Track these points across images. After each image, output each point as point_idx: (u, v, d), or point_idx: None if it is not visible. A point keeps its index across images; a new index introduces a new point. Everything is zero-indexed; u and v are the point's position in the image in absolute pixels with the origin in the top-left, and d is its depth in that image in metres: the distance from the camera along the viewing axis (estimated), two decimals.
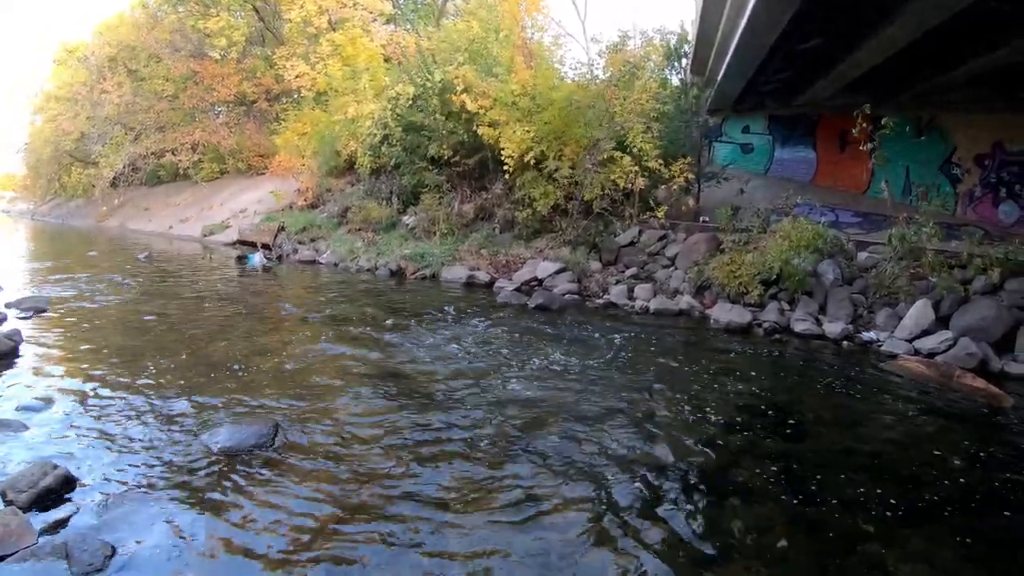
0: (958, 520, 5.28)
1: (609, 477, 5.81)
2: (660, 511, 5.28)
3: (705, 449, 6.56)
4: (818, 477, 5.94)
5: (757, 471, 6.02)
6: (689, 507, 5.39)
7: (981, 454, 6.76)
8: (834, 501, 5.48)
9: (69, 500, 5.19)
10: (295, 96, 32.06)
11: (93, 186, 43.90)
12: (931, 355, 10.27)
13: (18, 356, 9.14)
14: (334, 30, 28.45)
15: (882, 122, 12.87)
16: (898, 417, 7.87)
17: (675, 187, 17.40)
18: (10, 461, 5.76)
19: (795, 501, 5.47)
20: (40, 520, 4.85)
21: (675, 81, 22.89)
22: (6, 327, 10.55)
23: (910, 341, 10.83)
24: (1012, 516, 5.39)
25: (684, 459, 6.29)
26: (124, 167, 42.22)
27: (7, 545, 4.43)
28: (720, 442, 6.76)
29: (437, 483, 5.65)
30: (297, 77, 29.06)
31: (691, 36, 19.27)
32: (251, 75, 38.60)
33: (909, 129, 17.76)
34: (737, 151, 21.70)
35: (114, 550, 4.51)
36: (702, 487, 5.75)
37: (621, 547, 4.77)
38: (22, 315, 11.88)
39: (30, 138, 58.35)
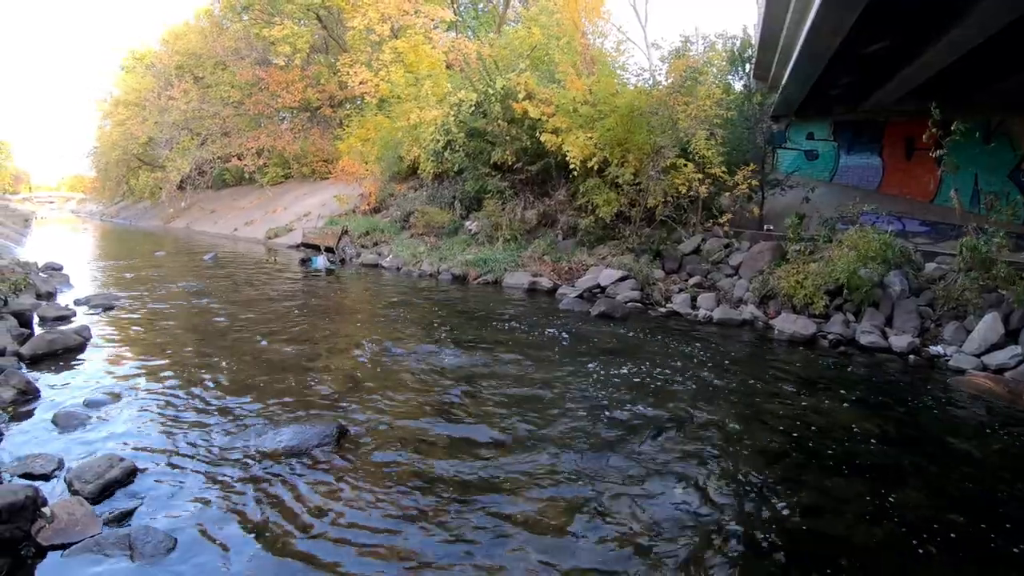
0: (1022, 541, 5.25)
1: (671, 487, 5.86)
2: (714, 525, 5.31)
3: (762, 462, 6.58)
4: (879, 494, 5.90)
5: (817, 487, 6.03)
6: (744, 522, 5.39)
7: None
8: (896, 520, 5.45)
9: (134, 492, 5.38)
10: (358, 102, 32.59)
11: (160, 189, 45.07)
12: (1000, 371, 10.07)
13: (87, 351, 9.53)
14: (396, 37, 28.80)
15: (952, 127, 12.64)
16: (962, 436, 7.74)
17: (739, 194, 17.32)
18: (77, 452, 6.02)
19: (855, 519, 5.45)
20: (105, 510, 5.03)
21: (738, 87, 22.74)
22: (76, 323, 11.06)
23: (978, 356, 10.61)
24: None
25: (740, 472, 6.30)
26: (190, 171, 43.34)
27: (72, 534, 4.61)
28: (778, 456, 6.77)
29: (501, 489, 5.72)
30: (360, 84, 29.60)
31: (754, 41, 19.17)
32: (315, 82, 39.29)
33: (978, 135, 17.43)
34: (802, 158, 21.49)
35: (176, 543, 4.67)
36: (758, 501, 5.75)
37: (689, 552, 4.83)
38: (91, 312, 12.43)
39: (99, 142, 60.07)
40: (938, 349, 11.22)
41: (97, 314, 12.26)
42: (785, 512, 5.57)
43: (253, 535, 4.90)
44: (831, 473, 6.38)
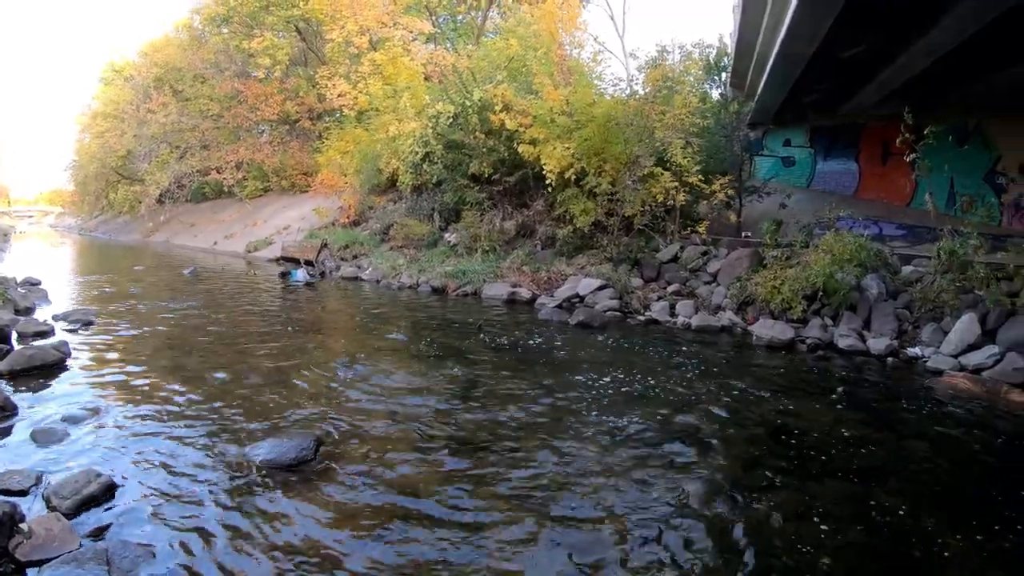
0: (1005, 542, 5.23)
1: (647, 491, 5.84)
2: (695, 528, 5.30)
3: (743, 467, 6.56)
4: (860, 496, 5.91)
5: (798, 491, 6.01)
6: (726, 528, 5.39)
7: None
8: (877, 520, 5.47)
9: (111, 508, 5.34)
10: (337, 115, 32.49)
11: (139, 202, 45.01)
12: (977, 371, 10.11)
13: (65, 367, 9.42)
14: (375, 50, 28.77)
15: (925, 132, 12.73)
16: (943, 435, 7.77)
17: (716, 202, 17.37)
18: (55, 468, 5.96)
19: (837, 521, 5.45)
20: (83, 526, 5.00)
21: (715, 95, 22.89)
22: (54, 339, 10.92)
23: (956, 356, 10.65)
24: None
25: (721, 477, 6.31)
26: (170, 184, 43.26)
27: (50, 549, 4.57)
28: (759, 461, 6.74)
29: (475, 503, 5.68)
30: (339, 96, 29.55)
31: (730, 50, 19.32)
32: (294, 94, 39.26)
33: (952, 138, 17.58)
34: (779, 165, 21.66)
35: (154, 557, 4.65)
36: (740, 505, 5.75)
37: (668, 558, 4.82)
38: (69, 327, 12.26)
39: (77, 155, 59.89)
40: (916, 351, 11.25)
41: (76, 330, 12.12)
42: (766, 515, 5.54)
43: (231, 549, 4.87)
44: (812, 476, 6.37)
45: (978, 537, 5.27)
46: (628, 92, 20.45)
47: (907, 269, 13.33)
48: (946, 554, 5.05)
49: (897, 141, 13.04)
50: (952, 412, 8.61)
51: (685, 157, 16.69)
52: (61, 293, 17.14)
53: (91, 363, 9.91)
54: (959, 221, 13.61)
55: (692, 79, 21.19)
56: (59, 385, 8.65)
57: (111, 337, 11.88)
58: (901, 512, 5.63)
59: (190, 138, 43.21)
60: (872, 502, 5.81)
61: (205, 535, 5.03)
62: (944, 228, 12.85)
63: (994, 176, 17.91)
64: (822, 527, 5.38)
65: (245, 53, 38.25)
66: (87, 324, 12.63)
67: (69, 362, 9.65)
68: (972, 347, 10.65)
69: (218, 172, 40.59)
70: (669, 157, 16.87)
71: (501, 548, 4.99)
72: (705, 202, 17.59)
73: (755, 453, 7.01)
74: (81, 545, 4.70)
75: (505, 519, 5.40)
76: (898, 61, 13.24)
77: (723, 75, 22.68)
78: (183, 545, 4.87)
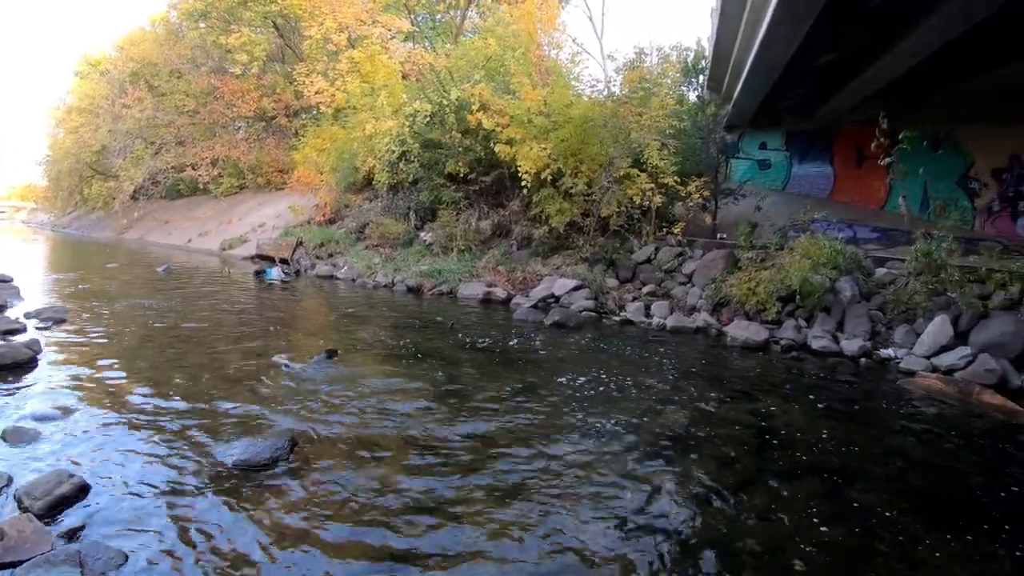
0: (977, 538, 5.25)
1: (622, 490, 5.82)
2: (671, 528, 5.29)
3: (718, 468, 6.55)
4: (834, 496, 5.93)
5: (772, 490, 6.01)
6: (701, 527, 5.39)
7: (999, 472, 6.72)
8: (851, 519, 5.47)
9: (84, 508, 5.24)
10: (314, 112, 32.32)
11: (113, 199, 44.46)
12: (950, 372, 10.20)
13: (36, 366, 9.25)
14: (353, 47, 28.59)
15: (899, 137, 12.82)
16: (916, 435, 7.82)
17: (692, 204, 17.40)
18: (26, 469, 5.83)
19: (811, 520, 5.45)
20: (55, 527, 4.91)
21: (692, 97, 22.96)
22: (25, 337, 10.73)
23: (928, 358, 10.74)
24: None
25: (696, 478, 6.30)
26: (144, 181, 42.81)
27: (23, 551, 4.48)
28: (734, 461, 6.74)
29: (452, 497, 5.65)
30: (316, 93, 29.34)
31: (708, 53, 19.38)
32: (271, 91, 39.04)
33: (926, 143, 17.75)
34: (755, 167, 21.75)
35: (127, 559, 4.56)
36: (714, 505, 5.74)
37: (643, 558, 4.80)
38: (41, 325, 12.01)
39: (51, 150, 59.03)
40: (889, 352, 11.33)
41: (48, 327, 11.88)
42: (740, 515, 5.55)
43: (205, 550, 4.78)
44: (786, 476, 6.37)
45: (949, 535, 5.29)
46: (606, 93, 20.50)
47: (881, 271, 13.39)
48: (919, 551, 5.06)
49: (872, 145, 13.12)
50: (925, 412, 8.68)
51: (661, 159, 16.73)
52: (33, 290, 16.83)
53: (63, 361, 9.71)
54: (932, 225, 13.69)
55: (669, 81, 21.25)
56: (30, 384, 8.46)
57: (83, 335, 11.67)
58: (874, 511, 5.64)
59: (165, 134, 42.82)
60: (845, 501, 5.83)
61: (179, 536, 4.95)
62: (918, 231, 12.93)
63: (967, 181, 18.08)
64: (796, 526, 5.37)
65: (222, 49, 37.92)
66: (59, 322, 12.41)
67: (40, 360, 9.48)
68: (944, 348, 10.74)
69: (193, 169, 40.23)
70: (645, 159, 16.90)
71: (475, 541, 4.97)
72: (681, 204, 17.60)
73: (730, 453, 7.00)
74: (54, 547, 4.60)
75: (480, 517, 5.35)
76: (872, 68, 13.32)
77: (700, 77, 22.76)
78: (156, 546, 4.78)
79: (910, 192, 17.66)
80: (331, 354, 10.32)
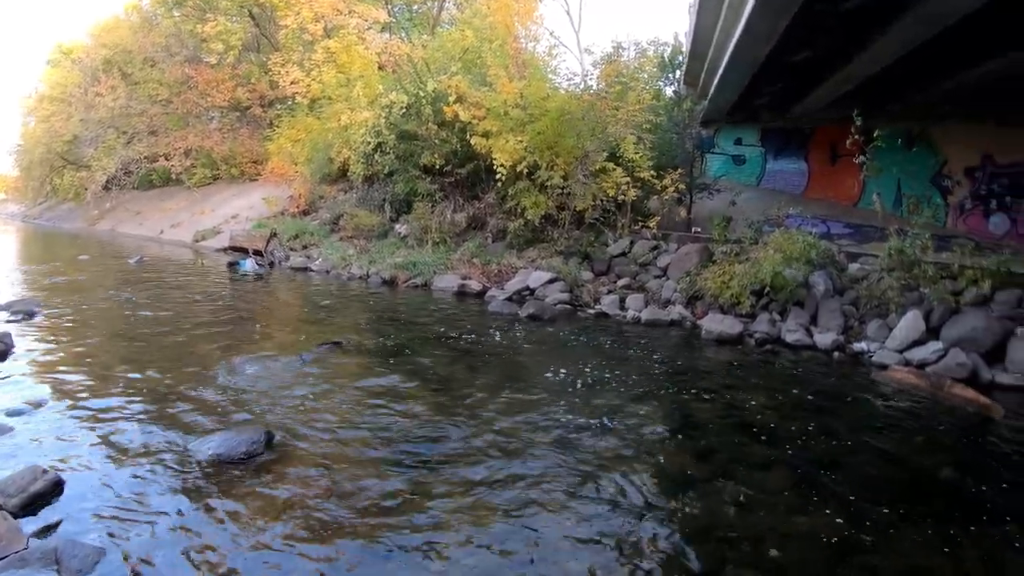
0: (948, 529, 5.28)
1: (598, 483, 5.82)
2: (647, 520, 5.29)
3: (693, 460, 6.57)
4: (808, 488, 5.95)
5: (747, 482, 6.00)
6: (678, 519, 5.39)
7: (970, 464, 6.77)
8: (825, 511, 5.49)
9: (59, 505, 5.16)
10: (289, 103, 31.99)
11: (85, 189, 43.79)
12: (922, 366, 10.25)
13: (7, 360, 9.10)
14: (329, 37, 28.44)
15: (874, 135, 12.89)
16: (888, 428, 7.88)
17: (667, 198, 17.40)
18: None
19: (786, 511, 5.47)
20: (30, 525, 4.82)
21: (669, 92, 22.96)
22: None
23: (901, 352, 10.78)
24: (1001, 525, 5.39)
25: (672, 470, 6.31)
26: (116, 171, 42.22)
27: None
28: (709, 453, 6.76)
29: (429, 491, 5.63)
30: (292, 84, 29.13)
31: (685, 47, 19.39)
32: (245, 81, 38.70)
33: (900, 141, 17.88)
34: (730, 163, 21.81)
35: (103, 555, 4.49)
36: (690, 497, 5.74)
37: (618, 552, 4.79)
38: (12, 318, 11.84)
39: (22, 139, 58.10)
40: (862, 346, 11.38)
41: (18, 321, 11.69)
42: (716, 505, 5.58)
43: (182, 546, 4.72)
44: (759, 468, 6.41)
45: (922, 523, 5.34)
46: (582, 87, 20.45)
47: (854, 267, 13.44)
48: (891, 540, 5.08)
49: (847, 143, 13.16)
50: (897, 405, 8.74)
51: (637, 153, 16.69)
52: (3, 283, 16.65)
53: (34, 355, 9.58)
54: (905, 221, 13.74)
55: (646, 76, 21.24)
56: (1, 378, 8.33)
57: (55, 328, 11.52)
58: (848, 501, 5.67)
59: (138, 123, 42.26)
60: (819, 492, 5.86)
61: (156, 531, 4.90)
62: (891, 228, 12.99)
63: (941, 179, 18.24)
64: (770, 516, 5.39)
65: (197, 38, 37.47)
66: (30, 315, 12.24)
67: (11, 354, 9.36)
68: (917, 343, 10.78)
69: (166, 159, 39.75)
70: (621, 153, 16.86)
71: (451, 536, 4.96)
72: (656, 198, 17.59)
73: (704, 444, 7.03)
74: (28, 545, 4.55)
75: (457, 510, 5.35)
76: (845, 69, 13.37)
77: (677, 73, 22.76)
78: (132, 543, 4.72)
79: (884, 189, 17.77)
80: (335, 345, 10.37)
